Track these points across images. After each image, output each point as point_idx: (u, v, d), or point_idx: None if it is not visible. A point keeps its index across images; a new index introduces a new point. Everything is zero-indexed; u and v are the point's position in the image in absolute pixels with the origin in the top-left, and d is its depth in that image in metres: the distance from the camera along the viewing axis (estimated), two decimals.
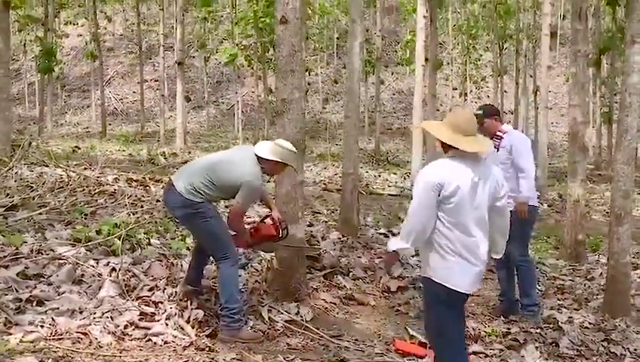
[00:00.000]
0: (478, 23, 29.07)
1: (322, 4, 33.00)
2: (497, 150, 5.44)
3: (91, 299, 4.68)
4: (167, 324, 4.41)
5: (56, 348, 3.83)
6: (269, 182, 7.18)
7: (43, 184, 8.35)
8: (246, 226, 5.01)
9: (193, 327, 4.46)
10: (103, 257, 5.53)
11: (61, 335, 4.02)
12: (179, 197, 4.45)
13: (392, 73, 40.60)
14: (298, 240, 5.37)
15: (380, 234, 8.54)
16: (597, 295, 6.45)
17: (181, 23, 21.31)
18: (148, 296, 4.82)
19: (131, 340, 4.16)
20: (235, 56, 20.78)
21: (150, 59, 39.07)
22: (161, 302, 4.74)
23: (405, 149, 26.38)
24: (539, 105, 18.33)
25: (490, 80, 31.35)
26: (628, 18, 5.83)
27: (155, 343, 4.17)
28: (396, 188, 14.54)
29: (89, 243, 5.75)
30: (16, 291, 4.58)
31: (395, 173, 17.58)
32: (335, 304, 5.61)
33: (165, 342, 4.20)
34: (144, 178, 9.87)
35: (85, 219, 6.96)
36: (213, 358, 4.05)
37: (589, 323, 5.56)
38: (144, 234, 6.47)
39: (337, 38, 38.27)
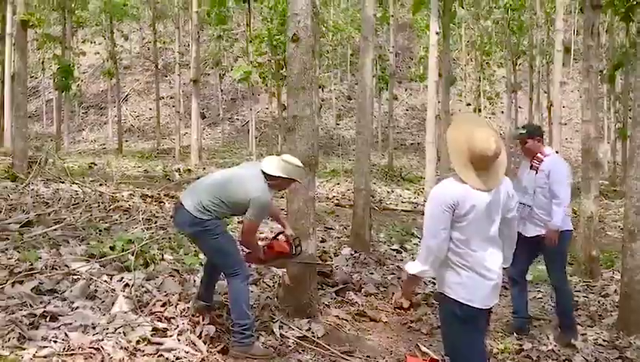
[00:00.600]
0: (492, 39, 29.06)
1: (336, 21, 33.22)
2: (536, 172, 5.42)
3: (104, 314, 4.71)
4: (179, 340, 4.44)
5: None
6: (282, 197, 7.21)
7: (59, 200, 8.46)
8: (259, 243, 5.03)
9: (205, 343, 4.48)
10: (116, 273, 5.58)
11: (74, 350, 4.05)
12: (187, 215, 4.48)
13: (406, 89, 40.67)
14: (309, 256, 5.38)
15: (393, 250, 8.54)
16: (611, 312, 6.40)
17: (196, 41, 21.52)
18: (160, 312, 4.85)
19: (143, 356, 4.17)
20: (249, 73, 20.91)
21: (166, 76, 39.43)
22: (174, 318, 4.77)
23: (419, 165, 26.37)
24: (552, 120, 18.23)
25: (504, 96, 31.24)
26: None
27: (167, 359, 4.18)
28: (409, 204, 14.52)
29: (103, 259, 5.81)
30: (31, 306, 4.62)
31: (408, 189, 17.56)
32: (347, 320, 5.61)
33: (177, 358, 4.21)
34: (159, 194, 9.95)
35: (100, 234, 7.03)
36: None
37: (603, 341, 5.53)
38: (157, 249, 6.53)
39: (351, 55, 38.39)
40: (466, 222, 3.37)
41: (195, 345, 4.43)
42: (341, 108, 39.07)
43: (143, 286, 5.29)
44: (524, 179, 5.55)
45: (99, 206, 8.45)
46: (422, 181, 17.79)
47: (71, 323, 4.45)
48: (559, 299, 5.60)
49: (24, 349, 3.94)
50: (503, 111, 33.75)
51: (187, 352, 4.29)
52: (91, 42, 37.07)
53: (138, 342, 4.31)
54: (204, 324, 4.67)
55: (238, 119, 38.72)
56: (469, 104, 33.06)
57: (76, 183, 9.60)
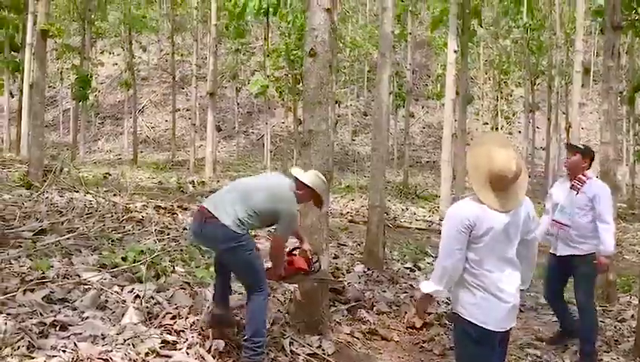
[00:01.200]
0: (510, 59, 29.01)
1: (353, 37, 33.32)
2: (577, 193, 5.44)
3: (114, 325, 4.67)
4: (188, 353, 4.38)
5: None
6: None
7: (72, 209, 8.47)
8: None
9: (214, 357, 4.42)
10: (127, 283, 5.54)
11: (82, 360, 4.01)
12: (224, 229, 4.26)
13: (423, 107, 40.66)
14: (322, 271, 5.31)
15: (406, 268, 8.46)
16: (628, 337, 6.26)
17: (214, 54, 21.64)
18: (170, 324, 4.80)
19: None
20: (265, 87, 21.01)
21: (183, 88, 39.71)
22: (183, 331, 4.72)
23: (434, 183, 26.26)
24: (571, 142, 18.11)
25: (522, 115, 31.15)
26: None
27: None
28: (424, 222, 14.43)
29: (114, 270, 5.79)
30: (41, 315, 4.59)
31: (423, 207, 17.46)
32: (358, 338, 5.53)
33: None
34: (172, 206, 9.95)
35: (112, 245, 7.01)
36: None
37: None
38: (169, 261, 6.50)
39: (368, 71, 38.47)
40: (483, 243, 3.31)
41: (204, 358, 4.38)
42: (357, 125, 39.10)
43: (153, 298, 5.25)
44: (562, 198, 5.56)
45: (112, 216, 8.45)
46: (437, 199, 17.74)
47: (81, 333, 4.41)
48: (584, 321, 5.54)
49: (33, 358, 3.90)
50: (520, 131, 33.64)
51: None
52: (110, 53, 37.45)
53: (147, 354, 4.25)
54: (213, 338, 4.61)
55: (253, 133, 38.86)
56: (486, 123, 32.95)
57: (90, 193, 9.61)
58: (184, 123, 36.98)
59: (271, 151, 28.25)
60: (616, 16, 8.00)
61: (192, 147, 25.03)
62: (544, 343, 6.06)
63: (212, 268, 6.13)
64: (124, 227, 8.05)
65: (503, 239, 3.35)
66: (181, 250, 7.12)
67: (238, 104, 37.98)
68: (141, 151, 32.18)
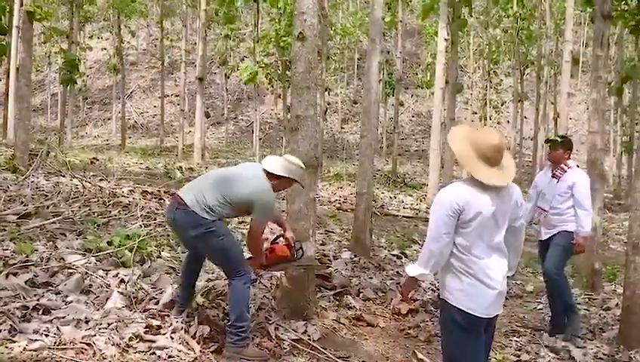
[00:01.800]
0: (500, 48, 29.01)
1: (344, 24, 33.19)
2: (557, 181, 5.82)
3: (98, 309, 4.64)
4: (172, 338, 4.36)
5: (60, 357, 3.80)
6: (283, 199, 7.14)
7: (58, 193, 8.39)
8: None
9: (198, 343, 4.40)
10: (112, 268, 5.51)
11: (65, 344, 3.98)
12: (192, 216, 4.30)
13: (412, 95, 40.64)
14: (308, 258, 5.29)
15: (393, 255, 8.46)
16: (612, 325, 6.30)
17: (203, 39, 21.47)
18: (155, 309, 4.78)
19: (135, 353, 4.10)
20: (255, 73, 20.85)
21: (172, 74, 39.48)
22: (168, 316, 4.70)
23: (422, 172, 26.31)
24: (558, 132, 18.17)
25: (511, 105, 31.20)
26: None
27: (159, 357, 4.11)
28: (411, 211, 14.45)
29: (99, 254, 5.74)
30: (24, 299, 4.55)
31: (410, 195, 17.47)
32: (344, 324, 5.53)
33: (169, 356, 4.14)
34: (159, 191, 9.88)
35: (98, 229, 6.96)
36: None
37: (603, 354, 5.44)
38: (155, 246, 6.46)
39: (358, 59, 38.39)
40: (471, 229, 3.32)
41: (188, 344, 4.36)
42: (347, 113, 39.05)
43: (138, 283, 5.22)
44: (544, 185, 5.96)
45: (98, 201, 8.38)
46: (425, 188, 17.76)
47: (64, 317, 4.38)
48: (553, 288, 5.85)
49: (15, 342, 3.88)
50: (508, 121, 33.71)
51: (180, 351, 4.22)
52: (98, 38, 37.17)
53: (131, 338, 4.23)
54: (198, 323, 4.59)
55: (242, 119, 38.71)
56: (475, 112, 32.99)
57: (76, 177, 9.52)
58: (173, 109, 36.79)
59: (260, 139, 28.12)
60: (607, 5, 7.99)
61: (181, 133, 24.86)
62: (529, 330, 6.10)
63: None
64: (110, 212, 7.98)
65: (491, 225, 3.36)
66: (167, 236, 7.07)
67: (227, 90, 37.77)
68: (129, 137, 31.96)
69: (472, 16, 20.57)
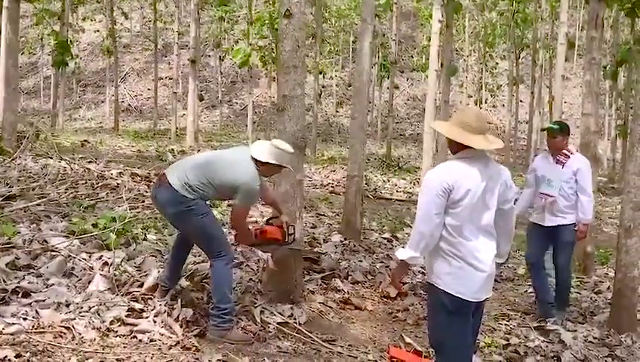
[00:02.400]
0: (496, 31, 28.85)
1: (338, 7, 32.95)
2: (562, 167, 5.77)
3: (80, 292, 4.56)
4: (154, 322, 4.28)
5: (37, 341, 3.71)
6: (271, 181, 7.04)
7: (45, 176, 8.28)
8: (250, 227, 4.86)
9: (181, 326, 4.32)
10: (96, 251, 5.41)
11: (43, 328, 3.90)
12: (173, 193, 4.25)
13: (407, 79, 40.47)
14: (296, 240, 5.21)
15: (384, 238, 8.40)
16: (603, 309, 6.25)
17: (196, 20, 21.23)
18: (138, 292, 4.70)
19: (116, 336, 4.02)
20: (248, 56, 20.67)
21: (166, 56, 39.15)
22: (151, 299, 4.61)
23: (417, 155, 26.21)
24: (553, 115, 18.10)
25: (506, 89, 31.08)
26: None
27: (140, 340, 4.03)
28: (405, 194, 14.39)
29: (83, 236, 5.64)
30: (4, 281, 4.46)
31: (404, 179, 17.40)
32: (331, 307, 5.45)
33: (151, 340, 4.05)
34: (148, 173, 9.78)
35: (84, 211, 6.86)
36: (198, 358, 3.90)
37: (594, 338, 5.38)
38: (141, 229, 6.37)
39: (353, 42, 38.11)
40: (460, 208, 3.25)
41: (171, 327, 4.28)
42: (342, 96, 38.87)
43: (122, 266, 5.13)
44: (548, 171, 5.84)
45: (86, 183, 8.28)
46: (419, 171, 17.67)
47: (44, 300, 4.30)
48: (562, 280, 5.89)
49: None
50: (504, 105, 33.63)
51: (162, 335, 4.14)
52: (91, 20, 36.80)
53: (112, 322, 4.15)
54: (182, 307, 4.51)
55: (237, 102, 38.52)
56: (470, 96, 32.88)
57: (63, 159, 9.40)
58: (167, 91, 36.50)
59: (254, 122, 28.00)
60: None
61: (174, 116, 24.67)
62: (519, 314, 6.06)
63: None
64: (98, 194, 7.90)
65: (480, 206, 3.29)
66: (155, 218, 6.98)
67: (221, 73, 37.53)
68: (123, 120, 31.74)
69: None
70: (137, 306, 4.46)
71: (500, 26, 28.52)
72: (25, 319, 3.96)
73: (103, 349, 3.82)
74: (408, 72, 40.28)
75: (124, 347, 3.92)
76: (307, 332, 4.72)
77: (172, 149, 17.04)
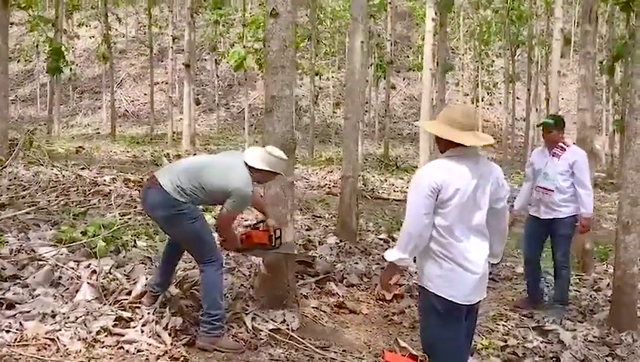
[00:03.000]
0: (491, 29, 28.77)
1: (333, 8, 32.87)
2: (558, 159, 5.76)
3: (67, 302, 4.47)
4: (142, 331, 4.17)
5: (19, 354, 3.62)
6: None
7: (36, 183, 8.19)
8: (236, 232, 4.77)
9: (170, 335, 4.21)
10: (84, 259, 5.32)
11: (27, 341, 3.80)
12: (164, 195, 4.15)
13: (404, 78, 40.33)
14: (287, 244, 5.09)
15: (380, 239, 8.29)
16: (603, 307, 6.13)
17: (189, 24, 21.12)
18: (126, 300, 4.60)
19: (102, 347, 3.93)
20: (242, 58, 20.54)
21: (161, 61, 38.99)
22: (139, 307, 4.51)
23: (415, 155, 26.09)
24: (550, 111, 18.00)
25: (502, 86, 30.99)
26: (638, 19, 5.62)
27: (127, 351, 3.93)
28: (402, 194, 14.28)
29: (72, 245, 5.55)
30: None
31: (402, 179, 17.30)
32: (325, 312, 5.33)
33: (138, 350, 3.95)
34: (141, 179, 9.68)
35: (75, 219, 6.77)
36: None
37: (594, 337, 5.27)
38: (132, 235, 6.27)
39: (348, 43, 38.04)
40: (450, 208, 3.15)
41: (159, 336, 4.18)
42: (338, 97, 38.71)
43: (111, 274, 5.03)
44: (544, 164, 5.85)
45: (77, 190, 8.18)
46: (416, 170, 17.57)
47: (29, 311, 4.20)
48: (561, 276, 5.86)
49: None
50: (500, 102, 33.54)
51: (150, 344, 4.04)
52: (87, 26, 36.70)
53: (98, 332, 4.06)
54: (171, 315, 4.41)
55: (234, 105, 38.36)
56: (466, 94, 32.77)
57: (55, 166, 9.30)
58: (163, 96, 36.36)
59: (252, 125, 27.90)
60: None
61: (170, 120, 24.56)
62: (517, 313, 5.96)
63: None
64: (90, 201, 7.80)
65: (470, 205, 3.19)
66: (147, 224, 6.88)
67: (218, 77, 37.36)
68: (120, 126, 31.58)
69: None
70: (125, 315, 4.36)
71: (495, 23, 28.44)
72: (8, 332, 3.87)
73: (89, 361, 3.72)
74: (405, 72, 40.13)
75: (110, 358, 3.82)
76: (300, 339, 4.61)
77: (167, 154, 16.95)
